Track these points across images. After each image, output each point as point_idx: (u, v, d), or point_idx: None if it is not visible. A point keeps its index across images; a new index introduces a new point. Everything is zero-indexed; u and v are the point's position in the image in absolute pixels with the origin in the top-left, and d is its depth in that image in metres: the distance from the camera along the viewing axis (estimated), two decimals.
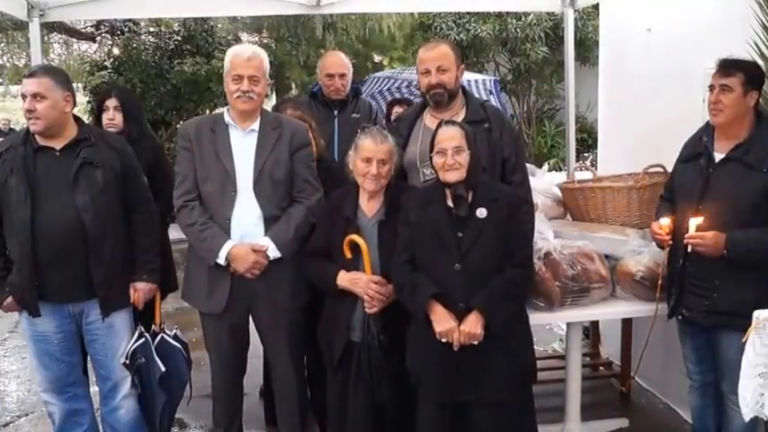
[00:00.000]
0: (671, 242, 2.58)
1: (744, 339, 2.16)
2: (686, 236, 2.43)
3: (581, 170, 4.18)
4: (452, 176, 2.35)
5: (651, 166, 3.03)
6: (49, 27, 9.63)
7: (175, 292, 3.34)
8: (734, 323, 2.39)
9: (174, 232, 3.37)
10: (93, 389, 2.96)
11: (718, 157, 2.48)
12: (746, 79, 2.40)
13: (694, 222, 2.41)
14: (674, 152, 2.71)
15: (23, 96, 2.55)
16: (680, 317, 2.62)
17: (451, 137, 2.37)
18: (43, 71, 2.61)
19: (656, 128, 3.42)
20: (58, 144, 2.60)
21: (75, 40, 11.95)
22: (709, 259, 2.42)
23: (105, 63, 10.40)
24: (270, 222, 2.68)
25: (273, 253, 2.65)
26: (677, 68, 3.26)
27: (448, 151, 2.35)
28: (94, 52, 11.72)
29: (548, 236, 2.91)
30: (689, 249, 2.45)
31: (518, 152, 2.75)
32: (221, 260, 2.63)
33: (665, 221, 2.58)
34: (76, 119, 2.71)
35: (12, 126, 14.64)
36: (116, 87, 3.84)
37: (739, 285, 2.41)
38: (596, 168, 4.25)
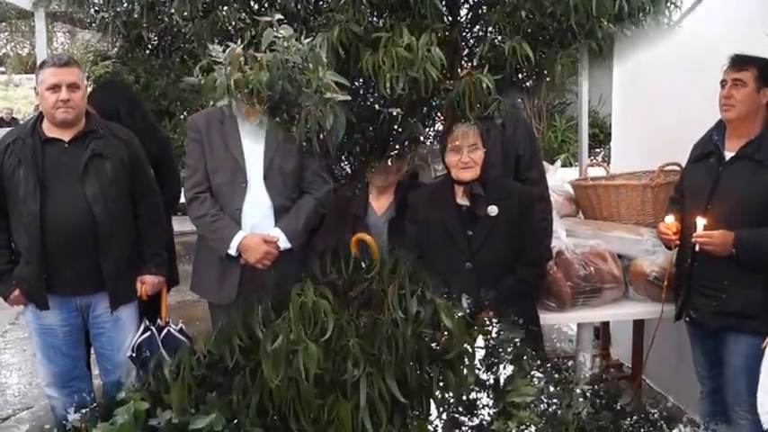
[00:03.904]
0: (678, 242, 2.54)
1: (763, 346, 2.12)
2: (694, 235, 2.39)
3: (592, 166, 4.11)
4: (467, 175, 2.31)
5: (667, 164, 2.97)
6: (53, 16, 9.54)
7: (177, 286, 3.30)
8: (743, 325, 2.36)
9: (176, 225, 3.32)
10: (96, 383, 2.93)
11: (729, 155, 2.43)
12: (760, 74, 2.36)
13: (701, 222, 2.37)
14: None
15: (56, 86, 2.50)
16: (687, 318, 2.57)
17: (466, 134, 2.32)
18: (73, 61, 2.60)
19: (673, 124, 3.34)
20: (67, 135, 2.57)
21: (79, 29, 11.87)
22: (718, 259, 2.37)
23: (109, 53, 10.33)
24: (280, 213, 2.68)
25: (284, 244, 2.65)
26: (695, 63, 3.19)
27: (463, 149, 2.30)
28: (98, 42, 11.64)
29: (560, 234, 2.87)
30: (696, 249, 2.41)
31: (533, 149, 2.72)
32: (232, 251, 2.62)
33: (670, 220, 2.54)
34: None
35: (14, 116, 14.61)
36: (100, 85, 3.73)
37: (749, 286, 2.36)
38: (608, 165, 4.17)
